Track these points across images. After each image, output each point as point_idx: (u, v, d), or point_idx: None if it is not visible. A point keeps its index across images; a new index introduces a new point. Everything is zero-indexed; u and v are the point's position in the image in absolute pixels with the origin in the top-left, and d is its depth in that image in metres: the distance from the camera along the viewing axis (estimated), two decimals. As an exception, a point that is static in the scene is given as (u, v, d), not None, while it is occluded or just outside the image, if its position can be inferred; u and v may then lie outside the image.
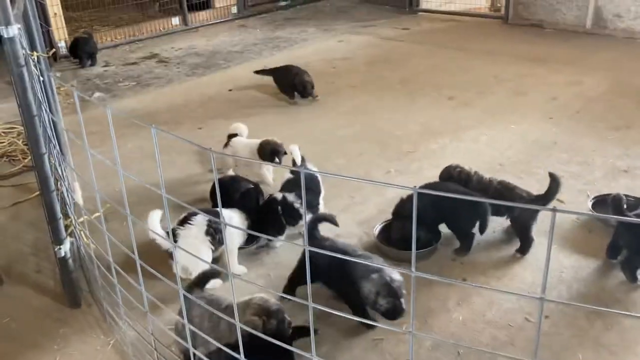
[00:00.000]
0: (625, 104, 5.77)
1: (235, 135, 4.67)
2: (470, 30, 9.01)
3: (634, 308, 3.16)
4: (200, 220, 3.43)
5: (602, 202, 3.97)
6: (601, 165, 4.64)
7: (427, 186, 3.80)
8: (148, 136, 4.93)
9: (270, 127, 5.68)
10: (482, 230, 3.65)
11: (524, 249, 3.59)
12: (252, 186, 3.96)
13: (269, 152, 4.37)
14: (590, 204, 4.00)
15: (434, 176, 4.49)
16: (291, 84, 6.23)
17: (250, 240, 3.63)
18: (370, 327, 3.02)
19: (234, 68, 7.72)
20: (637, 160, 4.68)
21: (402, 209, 3.75)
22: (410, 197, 3.75)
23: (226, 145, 4.60)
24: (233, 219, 3.53)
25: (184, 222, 3.45)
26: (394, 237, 3.73)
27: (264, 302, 2.67)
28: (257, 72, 6.69)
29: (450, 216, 3.67)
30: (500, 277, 3.42)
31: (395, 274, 2.95)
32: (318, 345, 2.87)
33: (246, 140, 4.65)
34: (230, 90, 6.82)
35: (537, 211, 3.61)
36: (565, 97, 6.06)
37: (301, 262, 3.22)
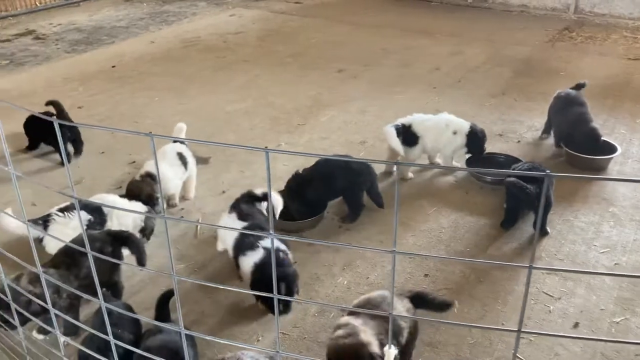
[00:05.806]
0: (501, 72, 6.12)
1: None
2: (361, 4, 9.14)
3: (504, 261, 3.40)
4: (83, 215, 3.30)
5: (471, 162, 4.26)
6: (479, 130, 4.90)
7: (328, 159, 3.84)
8: (23, 119, 4.58)
9: (157, 105, 5.50)
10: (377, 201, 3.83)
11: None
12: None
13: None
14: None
15: (323, 148, 4.59)
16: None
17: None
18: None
19: (119, 44, 7.35)
20: (511, 124, 4.99)
21: (294, 182, 3.78)
22: (297, 172, 3.81)
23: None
24: (117, 203, 3.48)
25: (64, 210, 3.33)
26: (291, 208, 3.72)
27: None
28: None
29: (345, 188, 3.75)
30: (382, 241, 3.55)
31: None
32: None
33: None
34: (113, 67, 6.50)
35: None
36: (447, 67, 6.33)
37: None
